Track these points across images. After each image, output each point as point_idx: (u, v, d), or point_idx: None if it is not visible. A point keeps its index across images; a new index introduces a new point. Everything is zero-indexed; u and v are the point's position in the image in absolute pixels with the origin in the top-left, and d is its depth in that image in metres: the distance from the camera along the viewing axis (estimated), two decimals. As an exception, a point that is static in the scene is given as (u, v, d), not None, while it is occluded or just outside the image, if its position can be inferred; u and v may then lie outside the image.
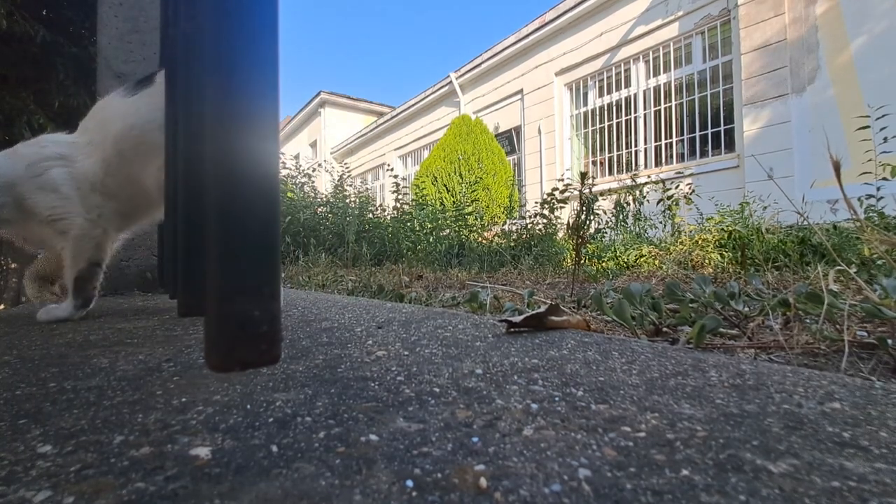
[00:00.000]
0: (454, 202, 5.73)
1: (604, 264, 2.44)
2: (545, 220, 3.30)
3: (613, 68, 6.38)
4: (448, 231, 4.40)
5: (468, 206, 4.73)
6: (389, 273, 3.04)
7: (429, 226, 4.58)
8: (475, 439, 0.37)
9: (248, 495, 0.29)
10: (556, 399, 0.46)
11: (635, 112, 6.16)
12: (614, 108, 6.41)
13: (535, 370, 0.57)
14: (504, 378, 0.54)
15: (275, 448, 0.36)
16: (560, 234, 3.28)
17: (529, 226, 3.43)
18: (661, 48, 5.82)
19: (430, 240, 4.33)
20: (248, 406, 0.46)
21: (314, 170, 7.57)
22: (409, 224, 4.64)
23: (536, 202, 3.59)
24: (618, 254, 2.66)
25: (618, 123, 6.38)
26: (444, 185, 6.73)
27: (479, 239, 4.03)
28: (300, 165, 7.25)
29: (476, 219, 4.51)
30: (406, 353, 0.68)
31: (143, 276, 2.38)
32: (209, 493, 0.29)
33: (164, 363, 0.67)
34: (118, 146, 1.24)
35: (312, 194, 6.53)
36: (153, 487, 0.30)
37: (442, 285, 2.53)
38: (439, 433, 0.38)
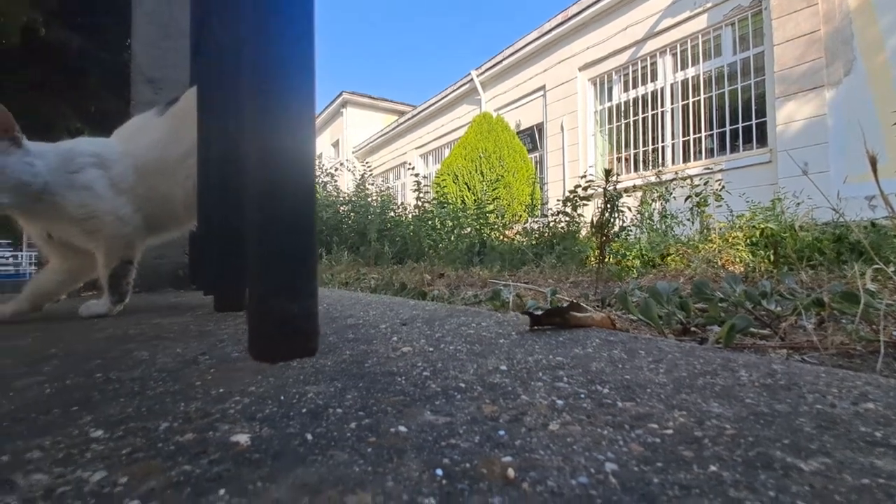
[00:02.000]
0: (475, 200, 5.72)
1: (628, 263, 2.40)
2: (568, 219, 3.26)
3: (639, 62, 6.25)
4: (469, 229, 4.40)
5: (489, 204, 4.72)
6: (411, 271, 3.06)
7: (449, 224, 4.59)
8: (501, 433, 0.38)
9: (286, 479, 0.31)
10: (582, 396, 0.47)
11: (662, 107, 6.02)
12: (640, 103, 6.28)
13: (560, 367, 0.57)
14: (529, 375, 0.54)
15: (309, 436, 0.38)
16: (583, 233, 3.24)
17: (552, 224, 3.40)
18: (688, 41, 5.67)
19: (451, 238, 4.34)
20: (282, 397, 0.48)
21: (336, 169, 7.69)
22: (430, 222, 4.67)
23: (559, 200, 3.55)
24: (643, 252, 2.61)
25: (643, 119, 6.24)
26: (466, 184, 6.73)
27: (501, 237, 4.01)
28: (323, 165, 7.38)
29: (497, 217, 4.49)
30: (431, 349, 0.70)
31: (175, 273, 2.47)
32: (250, 476, 0.31)
33: (200, 356, 0.70)
34: (147, 157, 1.32)
35: (335, 193, 6.63)
36: (199, 470, 0.32)
37: (463, 283, 2.54)
38: (466, 426, 0.39)
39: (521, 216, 5.81)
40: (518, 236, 3.76)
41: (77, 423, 0.42)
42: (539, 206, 6.35)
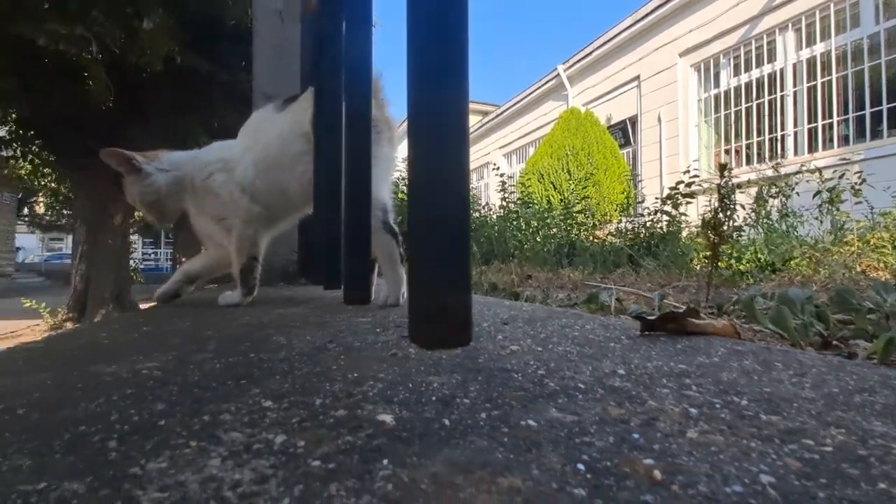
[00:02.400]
0: (561, 200, 5.55)
1: (742, 266, 2.17)
2: (668, 218, 3.04)
3: (753, 42, 5.60)
4: (556, 230, 4.28)
5: (577, 203, 4.55)
6: (498, 272, 3.07)
7: (535, 224, 4.51)
8: (636, 436, 0.38)
9: (437, 457, 0.34)
10: (717, 406, 0.44)
11: (781, 90, 5.33)
12: (753, 88, 5.62)
13: (685, 375, 0.55)
14: (651, 380, 0.53)
15: (446, 422, 0.41)
16: (685, 233, 2.99)
17: (649, 224, 3.19)
18: (816, 12, 4.95)
19: (537, 239, 4.27)
20: (410, 385, 0.52)
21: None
22: (514, 223, 4.63)
23: (657, 198, 3.31)
24: (759, 255, 2.34)
25: (758, 105, 5.58)
26: (552, 183, 6.55)
27: (591, 238, 3.86)
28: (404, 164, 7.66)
29: (587, 217, 4.32)
30: (539, 349, 0.70)
31: (285, 270, 2.74)
32: (405, 451, 0.35)
33: (328, 344, 0.78)
34: (268, 152, 1.41)
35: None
36: (360, 442, 0.37)
37: (552, 285, 2.49)
38: (596, 426, 0.40)
39: (612, 216, 5.52)
40: (610, 237, 3.58)
41: (249, 394, 0.50)
42: (633, 205, 5.97)
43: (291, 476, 0.31)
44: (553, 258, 3.37)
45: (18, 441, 0.40)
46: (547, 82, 8.95)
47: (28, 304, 6.36)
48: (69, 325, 6.01)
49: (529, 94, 9.52)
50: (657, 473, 0.31)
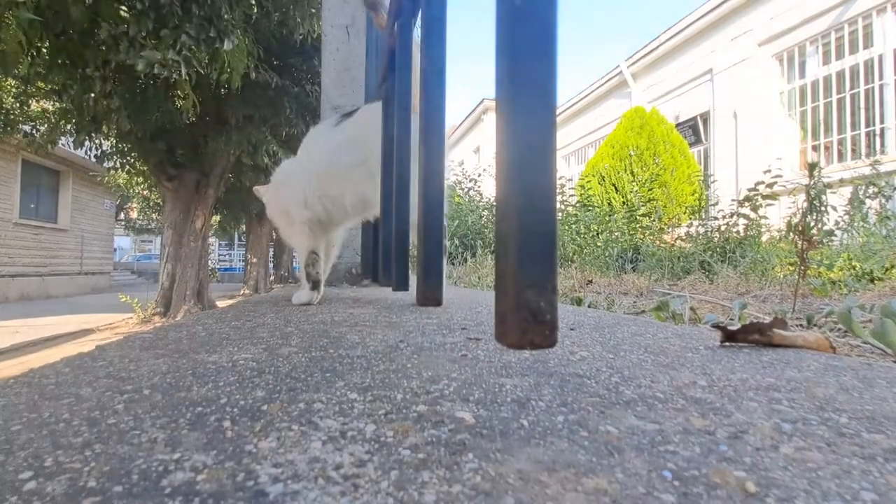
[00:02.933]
0: (624, 202, 5.34)
1: (833, 275, 1.97)
2: (747, 221, 2.82)
3: (846, 26, 5.07)
4: (618, 233, 4.13)
5: (642, 206, 4.35)
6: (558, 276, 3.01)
7: (595, 228, 4.37)
8: (723, 447, 0.37)
9: (521, 454, 0.35)
10: (813, 422, 0.42)
11: (881, 79, 4.78)
12: (847, 78, 5.08)
13: (774, 389, 0.52)
14: (736, 393, 0.51)
15: (525, 422, 0.42)
16: (765, 237, 2.76)
17: (724, 227, 2.98)
18: (925, -10, 4.39)
19: (598, 243, 4.13)
20: (484, 385, 0.54)
21: (479, 175, 7.98)
22: (573, 226, 4.52)
23: (733, 199, 3.09)
24: (855, 262, 2.11)
25: (852, 96, 5.04)
26: (613, 185, 6.31)
27: (658, 242, 3.67)
28: (466, 171, 7.73)
29: (654, 220, 4.12)
30: (611, 356, 0.69)
31: (349, 271, 2.88)
32: (488, 447, 0.37)
33: (399, 343, 0.82)
34: (322, 165, 1.54)
35: (478, 198, 6.89)
36: (444, 435, 0.39)
37: (615, 291, 2.40)
38: (680, 436, 0.39)
39: (680, 218, 5.22)
40: (679, 241, 3.39)
41: (336, 386, 0.54)
42: (705, 207, 5.61)
43: (386, 462, 0.34)
44: (616, 263, 3.25)
45: (150, 417, 0.46)
46: (608, 80, 8.66)
47: (124, 299, 7.14)
48: (157, 318, 6.68)
49: (589, 93, 9.26)
50: (750, 485, 0.30)
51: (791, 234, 1.29)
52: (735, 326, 0.74)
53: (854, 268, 2.11)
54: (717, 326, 0.74)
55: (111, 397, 0.51)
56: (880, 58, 4.75)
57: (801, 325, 1.02)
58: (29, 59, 4.20)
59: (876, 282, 2.00)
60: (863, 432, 0.40)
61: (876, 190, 3.06)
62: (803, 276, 1.25)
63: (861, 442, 0.38)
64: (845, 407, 0.46)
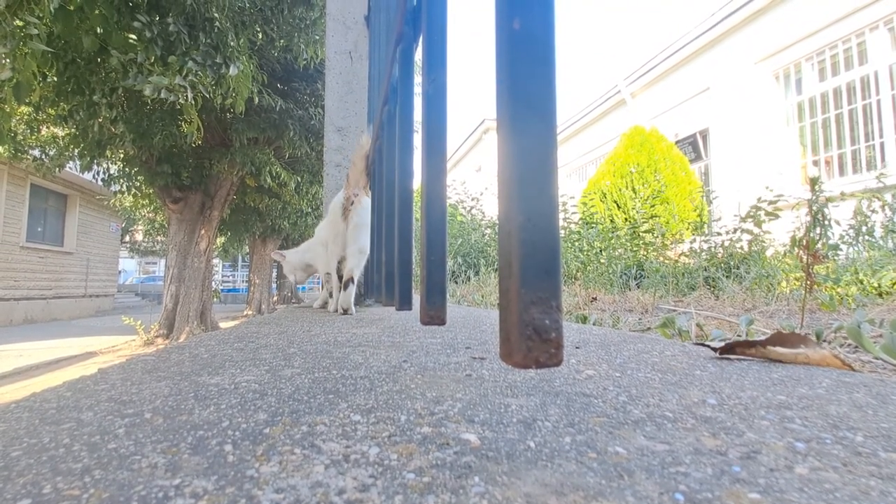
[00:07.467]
0: (626, 219, 5.34)
1: (840, 289, 1.95)
2: (750, 236, 2.81)
3: (840, 44, 5.16)
4: (621, 250, 4.12)
5: (644, 223, 4.36)
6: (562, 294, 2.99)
7: (598, 245, 4.36)
8: (736, 468, 0.36)
9: (528, 477, 0.34)
10: (827, 441, 0.41)
11: (877, 94, 4.83)
12: (844, 93, 5.14)
13: (786, 407, 0.51)
14: (747, 411, 0.50)
15: (531, 444, 0.41)
16: (769, 252, 2.75)
17: (727, 243, 2.97)
18: (916, 8, 4.48)
19: (602, 260, 4.12)
20: (489, 406, 0.53)
21: (481, 193, 8.03)
22: (577, 243, 4.51)
23: (736, 215, 3.09)
24: (861, 276, 2.09)
25: (850, 111, 5.09)
26: (615, 202, 6.33)
27: (661, 258, 3.66)
28: (468, 190, 7.78)
29: (656, 236, 4.11)
30: (617, 374, 0.68)
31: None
32: (495, 470, 0.36)
33: (403, 363, 0.81)
34: (327, 230, 2.09)
35: (480, 216, 6.91)
36: (450, 458, 0.38)
37: (620, 308, 2.38)
38: (691, 456, 0.38)
39: (682, 235, 5.21)
40: (683, 257, 3.38)
41: (339, 408, 0.54)
42: (707, 223, 5.60)
43: (390, 486, 0.33)
44: (620, 280, 3.24)
45: (151, 441, 0.45)
46: (607, 99, 8.78)
47: (127, 322, 7.13)
48: (160, 340, 6.65)
49: (588, 112, 9.38)
50: (767, 509, 0.29)
51: (796, 248, 1.29)
52: (720, 343, 0.73)
53: (861, 282, 2.09)
54: (701, 345, 0.73)
55: (112, 421, 0.50)
56: (876, 74, 4.82)
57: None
58: (39, 86, 4.31)
59: (884, 296, 1.97)
60: (879, 451, 0.39)
61: (882, 203, 3.05)
62: (810, 291, 1.24)
63: (878, 461, 0.37)
64: (860, 425, 0.45)
